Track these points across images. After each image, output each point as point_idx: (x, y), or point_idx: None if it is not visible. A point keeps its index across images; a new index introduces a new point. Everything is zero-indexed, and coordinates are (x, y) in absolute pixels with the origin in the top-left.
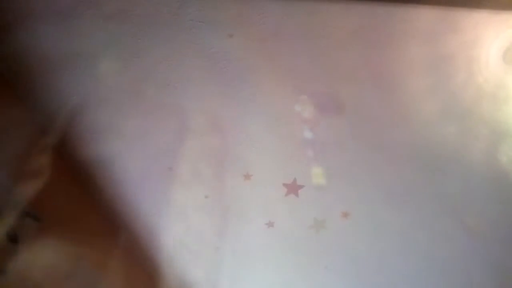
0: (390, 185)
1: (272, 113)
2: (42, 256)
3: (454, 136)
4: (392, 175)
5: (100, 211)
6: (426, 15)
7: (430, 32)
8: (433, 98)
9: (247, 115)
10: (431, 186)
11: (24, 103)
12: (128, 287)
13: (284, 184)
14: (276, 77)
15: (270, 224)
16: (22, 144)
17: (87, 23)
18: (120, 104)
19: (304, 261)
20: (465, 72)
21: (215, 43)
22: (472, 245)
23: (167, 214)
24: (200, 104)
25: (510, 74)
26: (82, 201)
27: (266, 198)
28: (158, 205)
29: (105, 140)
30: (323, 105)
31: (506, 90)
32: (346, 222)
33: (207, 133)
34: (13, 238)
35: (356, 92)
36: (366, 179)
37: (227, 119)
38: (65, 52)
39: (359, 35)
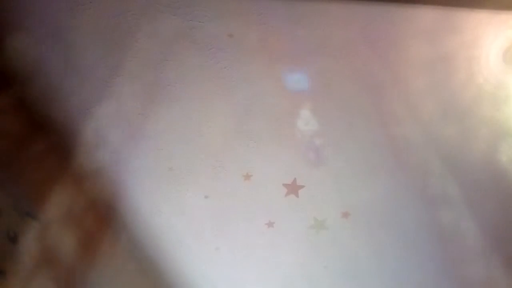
0: (390, 185)
1: (272, 113)
2: (42, 256)
3: (454, 136)
4: (392, 175)
5: (101, 211)
6: (426, 15)
7: (430, 32)
8: (433, 98)
9: (247, 115)
10: (431, 186)
11: (24, 103)
12: (129, 287)
13: (284, 184)
14: (276, 77)
15: (270, 224)
16: (22, 145)
17: (86, 24)
18: (120, 104)
19: (304, 261)
20: (465, 72)
21: (215, 43)
22: (472, 244)
23: (167, 214)
24: (200, 104)
25: (510, 74)
26: (82, 201)
27: (266, 198)
28: (158, 205)
29: (105, 140)
30: (323, 105)
31: (506, 90)
32: (346, 222)
33: (207, 133)
34: (13, 238)
35: (356, 92)
36: (366, 179)
37: (227, 119)
38: (64, 53)
39: (359, 35)
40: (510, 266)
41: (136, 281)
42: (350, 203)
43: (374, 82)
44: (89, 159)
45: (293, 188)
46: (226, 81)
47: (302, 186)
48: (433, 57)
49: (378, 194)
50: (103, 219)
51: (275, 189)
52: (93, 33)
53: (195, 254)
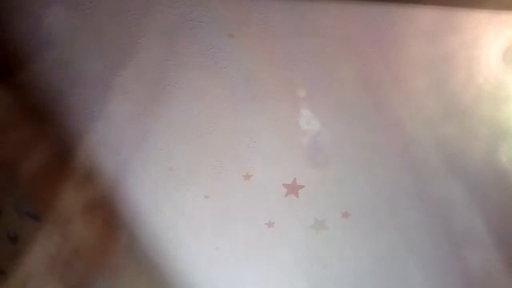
0: (390, 185)
1: (272, 113)
2: (41, 256)
3: (454, 136)
4: (392, 175)
5: (100, 211)
6: (426, 15)
7: (430, 32)
8: (433, 98)
9: (247, 115)
10: (431, 186)
11: (24, 103)
12: (128, 287)
13: (284, 184)
14: (276, 77)
15: (270, 224)
16: (22, 144)
17: (87, 23)
18: (120, 105)
19: (304, 261)
20: (465, 72)
21: (215, 43)
22: (472, 244)
23: (167, 214)
24: (200, 104)
25: (510, 74)
26: (81, 200)
27: (266, 198)
28: (158, 205)
29: (105, 140)
30: (323, 105)
31: (506, 90)
32: (346, 222)
33: (207, 133)
34: (13, 238)
35: (356, 92)
36: (366, 179)
37: (227, 119)
38: (64, 53)
39: (359, 35)
40: (511, 266)
41: (136, 281)
42: (350, 203)
43: (374, 82)
44: (89, 159)
45: (293, 188)
46: (226, 81)
47: (302, 186)
48: (433, 57)
49: (378, 194)
50: (102, 219)
51: (275, 189)
52: (93, 33)
53: (195, 254)
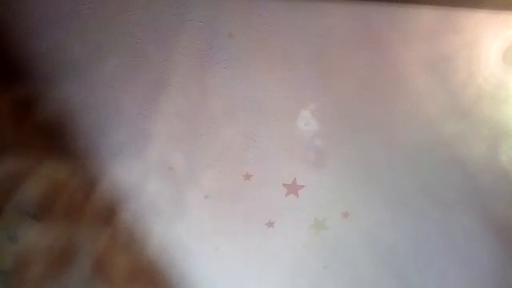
0: (390, 185)
1: (272, 113)
2: (42, 256)
3: (454, 136)
4: (392, 175)
5: (100, 212)
6: (426, 15)
7: (430, 32)
8: (433, 98)
9: (247, 115)
10: (431, 186)
11: (25, 104)
12: (128, 287)
13: (284, 184)
14: (276, 77)
15: (270, 224)
16: (22, 145)
17: (87, 24)
18: (120, 104)
19: (304, 261)
20: (465, 72)
21: (215, 43)
22: (473, 245)
23: (167, 214)
24: (200, 104)
25: (510, 74)
26: (82, 201)
27: (266, 198)
28: (158, 204)
29: (105, 140)
30: (323, 105)
31: (506, 90)
32: (346, 222)
33: (207, 133)
34: (13, 238)
35: (356, 92)
36: (366, 179)
37: (227, 119)
38: (64, 53)
39: (359, 35)
40: None
41: (136, 281)
42: (350, 203)
43: (373, 82)
44: (88, 159)
45: (293, 188)
46: (226, 81)
47: (302, 186)
48: (433, 57)
49: (378, 194)
50: (102, 219)
51: (275, 189)
52: (93, 34)
53: (195, 254)
